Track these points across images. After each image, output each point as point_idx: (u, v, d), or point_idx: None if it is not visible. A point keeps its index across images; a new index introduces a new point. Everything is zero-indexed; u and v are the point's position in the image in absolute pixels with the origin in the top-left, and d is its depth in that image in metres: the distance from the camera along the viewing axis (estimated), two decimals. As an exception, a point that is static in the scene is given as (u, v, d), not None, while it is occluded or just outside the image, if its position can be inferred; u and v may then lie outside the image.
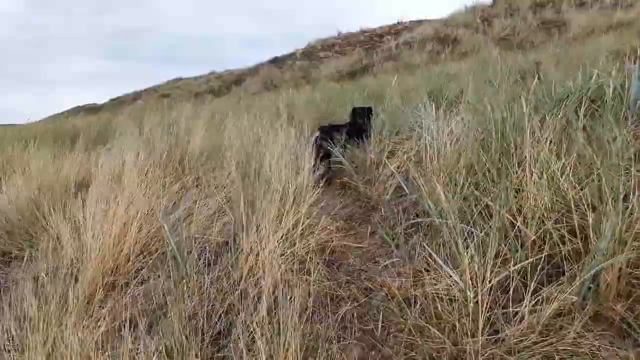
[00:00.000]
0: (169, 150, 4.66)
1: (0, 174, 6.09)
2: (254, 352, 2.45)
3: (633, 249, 2.24)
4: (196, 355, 2.33)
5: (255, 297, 2.74)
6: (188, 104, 5.93)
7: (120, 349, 2.31)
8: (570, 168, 2.57)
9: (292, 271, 2.97)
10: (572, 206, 2.48)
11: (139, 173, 3.86)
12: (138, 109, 10.61)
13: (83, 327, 2.42)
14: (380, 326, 2.76)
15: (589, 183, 2.55)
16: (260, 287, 2.75)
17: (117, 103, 26.60)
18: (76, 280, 2.93)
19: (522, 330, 2.16)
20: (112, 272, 3.03)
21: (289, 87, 11.71)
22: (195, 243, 3.05)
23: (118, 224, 3.22)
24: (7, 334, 2.62)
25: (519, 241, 2.55)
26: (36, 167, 5.49)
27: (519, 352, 2.12)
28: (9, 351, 2.51)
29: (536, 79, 4.01)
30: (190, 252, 2.93)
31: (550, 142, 2.66)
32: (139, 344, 2.33)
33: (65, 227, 3.51)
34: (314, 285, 2.96)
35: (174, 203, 3.62)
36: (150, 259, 3.10)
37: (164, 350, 2.28)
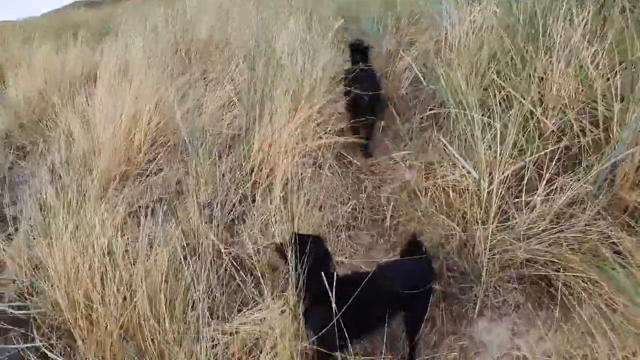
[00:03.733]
0: (175, 41, 4.46)
1: (5, 70, 5.97)
2: (267, 237, 2.53)
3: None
4: (212, 240, 2.40)
5: (269, 187, 2.77)
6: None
7: (139, 232, 2.38)
8: (603, 55, 2.41)
9: (304, 164, 2.96)
10: (599, 96, 2.36)
11: (145, 65, 3.73)
12: (142, 1, 10.06)
13: (101, 212, 2.48)
14: (389, 216, 2.81)
15: (621, 71, 2.40)
16: (273, 178, 2.76)
17: (119, -2, 25.22)
18: (90, 171, 2.96)
19: (532, 218, 2.18)
20: (125, 162, 3.05)
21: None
22: (206, 135, 3.02)
23: (128, 115, 3.17)
24: (32, 221, 2.71)
25: (538, 132, 2.48)
26: (41, 62, 5.35)
27: (527, 238, 2.15)
28: (34, 237, 2.61)
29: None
30: (203, 144, 2.92)
31: (585, 25, 2.46)
32: (156, 229, 2.39)
33: (75, 120, 3.49)
34: (326, 178, 2.98)
35: (182, 95, 3.54)
36: (163, 150, 3.10)
37: (181, 234, 2.35)
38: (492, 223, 2.20)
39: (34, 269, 2.33)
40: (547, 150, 2.31)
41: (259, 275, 2.20)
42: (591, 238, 2.05)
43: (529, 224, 2.18)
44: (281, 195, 2.63)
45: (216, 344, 1.78)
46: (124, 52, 4.29)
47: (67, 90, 4.33)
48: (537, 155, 2.32)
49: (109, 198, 2.70)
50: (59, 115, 3.80)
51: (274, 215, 2.52)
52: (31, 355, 1.92)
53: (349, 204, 2.95)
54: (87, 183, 2.73)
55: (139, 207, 2.80)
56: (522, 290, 2.15)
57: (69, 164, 3.01)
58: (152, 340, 1.78)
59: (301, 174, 2.82)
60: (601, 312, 1.84)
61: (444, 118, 2.91)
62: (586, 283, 1.97)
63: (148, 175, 3.03)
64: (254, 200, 2.72)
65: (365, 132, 3.34)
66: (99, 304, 1.94)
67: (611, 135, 2.29)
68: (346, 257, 2.62)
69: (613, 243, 2.04)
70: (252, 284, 2.33)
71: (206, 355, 1.73)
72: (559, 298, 1.99)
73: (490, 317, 2.15)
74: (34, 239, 2.57)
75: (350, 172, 3.23)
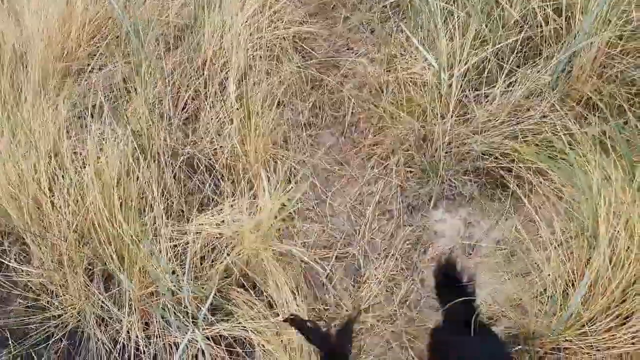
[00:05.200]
0: None
1: None
2: (223, 137, 2.45)
3: (615, 28, 2.15)
4: (165, 139, 2.30)
5: (223, 83, 2.62)
6: None
7: (86, 133, 2.25)
8: None
9: (260, 57, 2.79)
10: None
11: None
12: None
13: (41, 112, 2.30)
14: (350, 112, 2.76)
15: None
16: (227, 72, 2.61)
17: None
18: (24, 67, 2.70)
19: (491, 111, 2.19)
20: (61, 57, 2.77)
21: None
22: (151, 25, 2.75)
23: (59, 2, 2.82)
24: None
25: (501, 22, 2.39)
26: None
27: (485, 131, 2.18)
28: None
29: None
30: (147, 36, 2.67)
31: None
32: (104, 130, 2.26)
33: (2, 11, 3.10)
34: (284, 72, 2.84)
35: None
36: (104, 43, 2.82)
37: (130, 135, 2.23)
38: (451, 116, 2.20)
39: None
40: (510, 41, 2.26)
41: (218, 175, 2.16)
42: (545, 130, 2.10)
43: (487, 116, 2.20)
44: (236, 91, 2.50)
45: (176, 245, 1.78)
46: None
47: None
48: (499, 45, 2.27)
49: (48, 97, 2.50)
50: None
51: (230, 113, 2.41)
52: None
53: (309, 101, 2.86)
54: (23, 79, 2.51)
55: (85, 107, 2.61)
56: (477, 182, 2.22)
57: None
58: (110, 242, 1.75)
59: (257, 68, 2.67)
60: (549, 201, 1.94)
61: (408, 6, 2.76)
62: (537, 174, 2.06)
63: (91, 72, 2.79)
64: (207, 97, 2.58)
65: None
66: (50, 208, 1.88)
67: (572, 24, 2.25)
68: (307, 157, 2.60)
69: (565, 134, 2.10)
70: (212, 185, 2.30)
71: (167, 254, 1.73)
72: (511, 189, 2.08)
73: (446, 209, 2.24)
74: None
75: (310, 65, 3.08)
